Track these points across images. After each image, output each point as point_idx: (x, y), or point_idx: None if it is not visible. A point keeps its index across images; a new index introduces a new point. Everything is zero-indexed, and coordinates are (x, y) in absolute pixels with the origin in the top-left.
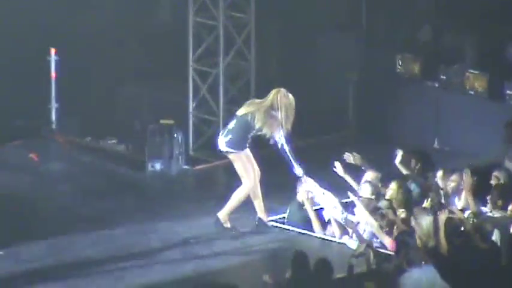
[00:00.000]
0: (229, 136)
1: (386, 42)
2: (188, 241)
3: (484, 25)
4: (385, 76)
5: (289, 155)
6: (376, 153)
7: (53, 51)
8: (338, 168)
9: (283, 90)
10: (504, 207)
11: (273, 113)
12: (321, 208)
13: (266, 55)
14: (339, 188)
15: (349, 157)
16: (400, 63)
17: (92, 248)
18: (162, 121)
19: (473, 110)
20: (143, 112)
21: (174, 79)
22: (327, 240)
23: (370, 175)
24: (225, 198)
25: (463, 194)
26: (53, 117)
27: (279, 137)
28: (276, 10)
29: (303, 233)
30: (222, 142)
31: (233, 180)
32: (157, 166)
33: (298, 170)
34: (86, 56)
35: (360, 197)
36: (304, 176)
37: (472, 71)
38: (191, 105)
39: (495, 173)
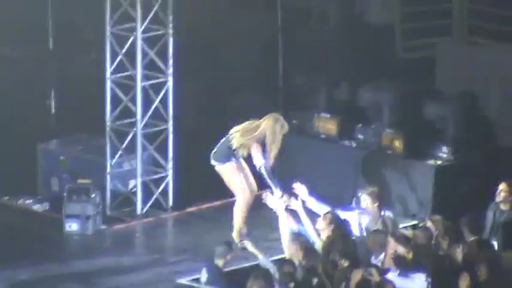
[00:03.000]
0: (215, 149)
1: (303, 101)
2: None
3: (400, 83)
4: (302, 135)
5: (268, 178)
6: None
7: None
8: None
9: (273, 114)
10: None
11: (252, 136)
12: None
13: (184, 113)
14: None
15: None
16: (317, 122)
17: None
18: (79, 181)
19: (390, 169)
20: (61, 171)
21: (92, 137)
22: None
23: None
24: (141, 257)
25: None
26: None
27: (258, 159)
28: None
29: None
30: (211, 155)
31: (150, 239)
32: (74, 226)
33: (276, 193)
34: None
35: None
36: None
37: (388, 130)
38: (109, 164)
39: (415, 232)
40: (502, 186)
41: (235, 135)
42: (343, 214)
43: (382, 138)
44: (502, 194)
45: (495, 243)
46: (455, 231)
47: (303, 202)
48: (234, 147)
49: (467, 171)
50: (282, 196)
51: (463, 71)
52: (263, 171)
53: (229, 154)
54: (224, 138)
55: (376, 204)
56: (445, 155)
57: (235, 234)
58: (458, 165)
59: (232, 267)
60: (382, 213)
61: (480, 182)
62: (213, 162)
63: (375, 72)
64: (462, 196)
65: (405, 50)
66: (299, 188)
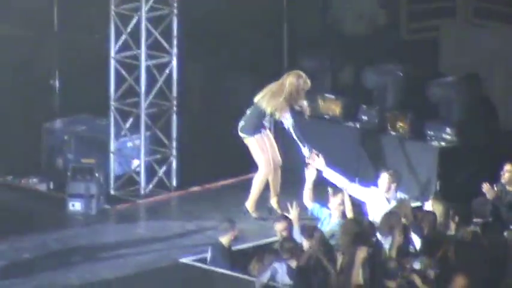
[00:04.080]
0: (243, 121)
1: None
2: (108, 281)
3: (404, 66)
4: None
5: (296, 137)
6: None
7: None
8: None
9: (294, 71)
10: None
11: (279, 95)
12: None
13: (188, 93)
14: None
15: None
16: (321, 103)
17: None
18: (83, 160)
19: (393, 150)
20: (66, 150)
21: (96, 117)
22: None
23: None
24: (145, 236)
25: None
26: None
27: (287, 119)
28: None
29: (228, 275)
30: (238, 127)
31: (154, 219)
32: (78, 205)
33: (305, 151)
34: (4, 92)
35: None
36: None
37: (392, 111)
38: (113, 144)
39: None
40: (508, 167)
41: (263, 101)
42: (360, 190)
43: (386, 119)
44: (507, 175)
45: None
46: (461, 214)
47: (320, 172)
48: (268, 113)
49: (471, 153)
50: (310, 154)
51: (468, 53)
52: (292, 130)
53: (259, 125)
54: (250, 110)
55: (394, 185)
56: (449, 137)
57: (249, 204)
58: (462, 147)
59: (239, 247)
60: (398, 195)
61: (484, 164)
62: (241, 134)
63: (379, 54)
64: (466, 177)
65: (409, 32)
66: (315, 158)
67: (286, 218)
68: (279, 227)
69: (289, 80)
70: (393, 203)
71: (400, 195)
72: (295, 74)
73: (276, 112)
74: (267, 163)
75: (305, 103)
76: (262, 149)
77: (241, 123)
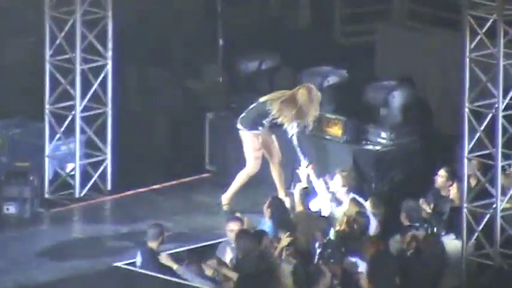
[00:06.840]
0: (244, 114)
1: (243, 85)
2: (42, 285)
3: (340, 69)
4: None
5: (296, 147)
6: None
7: None
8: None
9: (308, 85)
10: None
11: (292, 105)
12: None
13: (123, 96)
14: None
15: None
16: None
17: None
18: (17, 163)
19: (329, 154)
20: (0, 154)
21: (31, 121)
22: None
23: None
24: (78, 241)
25: None
26: None
27: (291, 128)
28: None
29: (160, 278)
30: (238, 119)
31: (88, 222)
32: (12, 209)
33: (303, 162)
34: None
35: None
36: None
37: (327, 115)
38: (47, 147)
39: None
40: (441, 173)
41: (274, 106)
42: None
43: (321, 123)
44: (440, 180)
45: (435, 228)
46: (393, 218)
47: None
48: (274, 116)
49: (406, 157)
50: (309, 165)
51: (403, 56)
52: (294, 139)
53: (257, 122)
54: (254, 105)
55: (345, 188)
56: (384, 141)
57: (226, 197)
58: (397, 151)
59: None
60: (350, 196)
61: (418, 168)
62: (239, 126)
63: (314, 57)
64: (401, 181)
65: (344, 34)
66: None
67: (239, 218)
68: (231, 226)
69: (301, 92)
70: (345, 204)
71: (353, 196)
72: (306, 86)
73: (286, 122)
74: (255, 161)
75: (310, 119)
76: (253, 147)
77: (242, 115)
